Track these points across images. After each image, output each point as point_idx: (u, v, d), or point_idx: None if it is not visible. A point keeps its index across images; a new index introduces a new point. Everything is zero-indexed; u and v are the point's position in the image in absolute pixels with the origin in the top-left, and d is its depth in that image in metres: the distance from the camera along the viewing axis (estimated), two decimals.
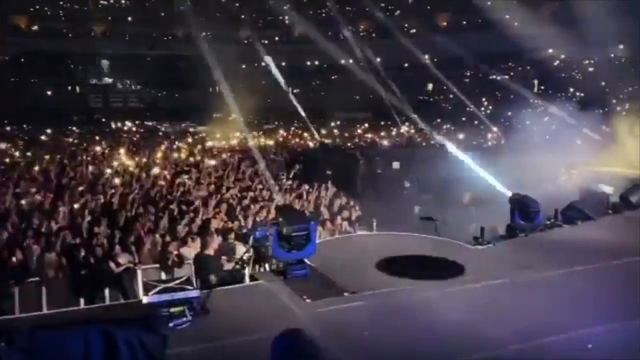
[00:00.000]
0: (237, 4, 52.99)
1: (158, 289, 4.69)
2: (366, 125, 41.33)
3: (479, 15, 42.57)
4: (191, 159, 20.58)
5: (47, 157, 19.62)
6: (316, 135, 33.81)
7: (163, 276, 7.97)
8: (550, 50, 44.71)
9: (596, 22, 31.88)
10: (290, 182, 15.66)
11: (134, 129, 40.88)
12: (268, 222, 7.45)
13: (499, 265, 6.28)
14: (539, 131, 21.15)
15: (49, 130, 32.80)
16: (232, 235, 8.97)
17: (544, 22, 37.33)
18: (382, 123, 41.45)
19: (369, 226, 11.38)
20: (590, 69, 43.57)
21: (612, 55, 42.15)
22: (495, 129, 32.55)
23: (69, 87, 51.71)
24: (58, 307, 6.19)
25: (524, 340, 4.29)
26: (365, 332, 4.48)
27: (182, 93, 52.04)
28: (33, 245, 8.37)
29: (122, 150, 22.00)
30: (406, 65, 47.47)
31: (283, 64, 54.09)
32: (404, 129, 38.13)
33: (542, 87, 44.17)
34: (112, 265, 8.02)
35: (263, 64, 53.97)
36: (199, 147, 25.67)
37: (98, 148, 24.20)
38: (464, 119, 39.07)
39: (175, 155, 21.89)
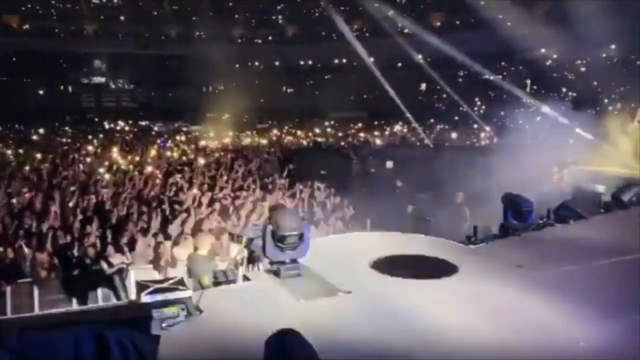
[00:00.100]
0: (230, 3, 52.91)
1: (151, 289, 4.66)
2: (360, 124, 41.38)
3: (472, 15, 42.74)
4: (184, 159, 20.53)
5: (38, 156, 19.50)
6: (310, 135, 33.86)
7: (156, 276, 7.96)
8: (543, 50, 44.93)
9: (588, 22, 32.08)
10: (283, 181, 15.66)
11: (127, 128, 40.75)
12: (261, 222, 7.43)
13: (492, 265, 6.28)
14: (532, 131, 21.26)
15: (41, 130, 32.64)
16: (226, 235, 8.96)
17: (536, 22, 37.51)
18: (376, 122, 41.54)
19: (363, 225, 11.41)
20: (583, 69, 43.79)
21: (604, 55, 42.38)
22: (488, 128, 32.70)
23: (62, 87, 51.49)
24: (50, 308, 6.15)
25: (516, 340, 4.30)
26: (359, 331, 4.48)
27: (175, 92, 51.94)
28: (25, 245, 8.32)
29: (114, 150, 21.93)
30: (400, 64, 47.56)
31: (277, 63, 54.12)
32: (397, 128, 38.22)
33: (535, 87, 44.37)
34: (104, 265, 7.99)
35: (256, 63, 54.01)
36: (192, 146, 25.61)
37: (90, 147, 24.11)
38: (457, 118, 39.23)
39: (168, 154, 21.82)
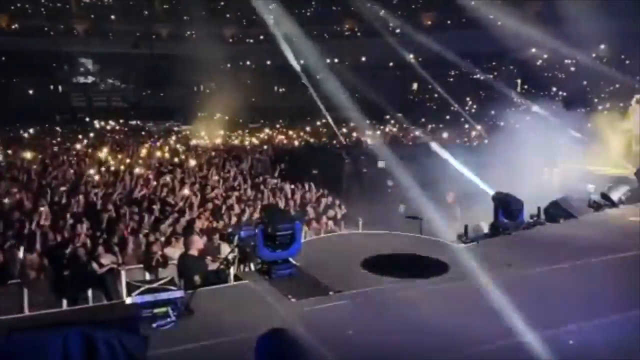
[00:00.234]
0: (222, 3, 52.76)
1: (141, 289, 4.65)
2: (352, 124, 41.35)
3: (463, 14, 42.90)
4: (175, 159, 20.44)
5: (28, 156, 19.34)
6: (302, 134, 33.85)
7: (147, 277, 7.93)
8: (534, 50, 45.15)
9: (578, 22, 32.29)
10: (275, 181, 15.63)
11: (117, 128, 40.48)
12: (253, 222, 7.42)
13: (483, 263, 6.31)
14: (522, 130, 21.33)
15: (30, 130, 32.36)
16: (217, 235, 8.94)
17: (527, 22, 37.67)
18: (368, 122, 41.52)
19: (355, 225, 11.42)
20: (573, 69, 44.05)
21: (594, 55, 42.65)
22: (479, 127, 32.82)
23: (51, 86, 51.04)
24: (40, 309, 6.11)
25: (507, 338, 4.33)
26: (350, 331, 4.49)
27: (166, 92, 51.62)
28: (14, 246, 8.24)
29: (105, 150, 21.79)
30: (391, 64, 47.60)
31: (268, 62, 54.03)
32: (389, 128, 38.27)
33: (526, 87, 44.58)
34: (95, 266, 7.94)
35: (248, 62, 53.90)
36: (184, 146, 25.49)
37: (81, 147, 23.94)
38: (448, 117, 39.32)
39: (159, 154, 21.71)
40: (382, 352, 4.20)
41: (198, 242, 7.49)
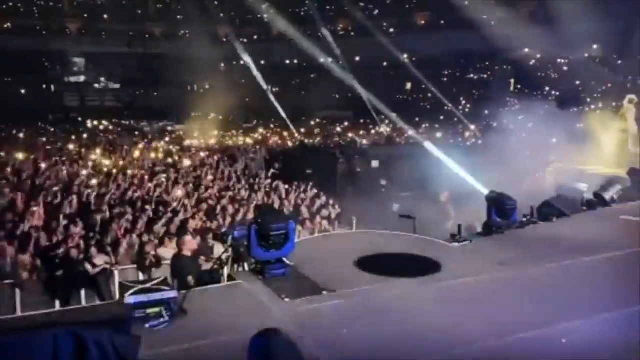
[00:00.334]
0: (216, 2, 52.66)
1: (134, 289, 4.64)
2: (346, 124, 41.39)
3: (456, 15, 43.02)
4: (169, 159, 20.38)
5: (20, 156, 19.23)
6: (296, 134, 33.81)
7: (140, 277, 7.91)
8: (527, 50, 45.35)
9: (571, 23, 32.47)
10: (269, 181, 15.62)
11: (110, 128, 40.28)
12: (247, 222, 7.41)
13: (476, 262, 6.34)
14: (516, 129, 21.42)
15: (23, 130, 32.16)
16: (211, 235, 8.93)
17: (520, 22, 37.86)
18: (362, 122, 41.58)
19: (349, 224, 11.43)
20: (565, 69, 44.29)
21: (587, 55, 42.90)
22: (473, 127, 32.92)
23: (44, 86, 50.76)
24: (32, 310, 6.07)
25: (500, 336, 4.34)
26: (344, 330, 4.49)
27: (159, 91, 51.48)
28: (6, 246, 8.20)
29: (98, 150, 21.70)
30: (385, 64, 47.68)
31: (262, 62, 53.95)
32: (383, 127, 38.31)
33: (519, 86, 44.77)
34: (88, 266, 7.92)
35: (242, 62, 53.80)
36: (177, 146, 25.42)
37: (73, 147, 23.82)
38: (442, 117, 39.42)
39: (153, 155, 21.65)
40: (376, 352, 4.21)
41: (191, 243, 7.49)
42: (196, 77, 48.41)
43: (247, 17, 54.01)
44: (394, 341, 4.33)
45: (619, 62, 38.02)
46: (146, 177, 15.45)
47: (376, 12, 44.19)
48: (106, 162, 18.89)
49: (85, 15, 51.77)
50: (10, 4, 48.16)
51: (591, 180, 10.80)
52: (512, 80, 45.74)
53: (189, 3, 48.18)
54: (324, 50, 42.51)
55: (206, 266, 7.51)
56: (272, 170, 17.84)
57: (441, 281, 5.67)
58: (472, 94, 45.24)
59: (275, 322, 3.13)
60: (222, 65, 49.67)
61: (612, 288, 5.20)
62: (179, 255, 7.26)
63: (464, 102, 44.21)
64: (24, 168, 16.54)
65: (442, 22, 49.49)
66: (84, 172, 15.86)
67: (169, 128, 39.28)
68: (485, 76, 43.26)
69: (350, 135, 34.73)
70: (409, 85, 51.17)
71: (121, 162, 18.99)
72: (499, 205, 7.63)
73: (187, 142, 28.22)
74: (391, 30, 43.02)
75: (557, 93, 39.65)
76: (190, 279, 6.66)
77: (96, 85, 54.18)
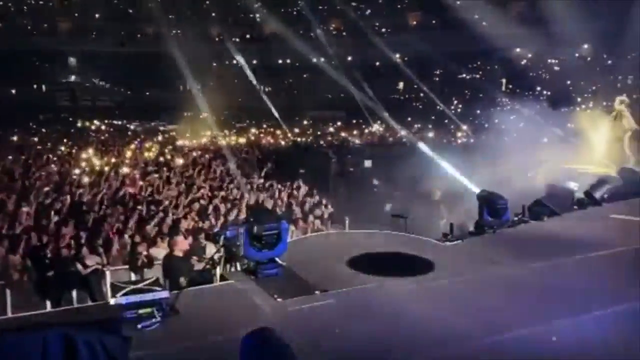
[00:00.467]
0: (207, 1, 52.51)
1: (126, 290, 4.62)
2: (338, 123, 41.42)
3: (448, 14, 43.13)
4: (161, 158, 20.32)
5: (11, 157, 19.11)
6: (288, 134, 33.80)
7: (132, 277, 7.87)
8: (518, 50, 45.54)
9: (562, 22, 32.65)
10: (262, 180, 15.61)
11: (102, 127, 40.09)
12: (239, 222, 7.40)
13: (468, 261, 6.37)
14: (507, 129, 21.54)
15: (14, 130, 31.92)
16: (203, 235, 8.90)
17: (511, 22, 38.01)
18: (354, 121, 41.63)
19: (341, 224, 11.44)
20: (557, 68, 44.50)
21: (577, 54, 43.14)
22: (464, 127, 33.04)
23: (35, 86, 50.39)
24: (23, 311, 6.04)
25: (491, 335, 4.36)
26: (336, 329, 4.49)
27: (151, 91, 51.22)
28: None
29: (90, 150, 21.59)
30: (377, 64, 47.71)
31: (254, 62, 53.83)
32: (375, 127, 38.37)
33: (510, 86, 44.95)
34: (79, 267, 7.87)
35: (234, 62, 53.67)
36: (170, 146, 25.34)
37: (65, 147, 23.69)
38: (433, 117, 39.54)
39: (145, 154, 21.57)
40: (368, 351, 4.21)
41: (183, 243, 7.46)
42: (188, 77, 48.22)
43: (239, 16, 53.88)
44: (386, 340, 4.34)
45: (609, 61, 38.27)
46: (138, 176, 15.39)
47: (368, 12, 44.21)
48: (98, 161, 18.81)
49: (76, 15, 51.40)
50: (0, 2, 47.74)
51: (582, 179, 10.88)
52: (504, 80, 45.91)
53: (181, 2, 48.00)
54: (316, 50, 42.52)
55: (198, 266, 7.49)
56: (264, 170, 17.82)
57: (433, 280, 5.69)
58: (463, 93, 45.38)
59: (268, 321, 3.13)
60: (215, 65, 49.52)
61: (602, 286, 5.24)
62: (171, 255, 7.24)
63: (455, 102, 44.35)
64: (14, 168, 16.43)
65: (434, 22, 49.62)
66: (76, 171, 15.78)
67: (161, 128, 39.16)
68: (477, 76, 43.39)
69: (342, 135, 34.78)
70: (401, 85, 51.27)
71: (113, 162, 18.91)
72: (490, 204, 7.67)
73: (179, 142, 28.14)
74: (383, 30, 43.02)
75: (548, 93, 39.89)
76: (182, 279, 6.64)
77: (88, 85, 53.83)
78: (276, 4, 50.64)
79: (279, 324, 4.40)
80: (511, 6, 43.09)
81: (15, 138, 29.53)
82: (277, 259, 5.84)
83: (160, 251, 8.12)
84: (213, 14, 52.56)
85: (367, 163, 18.93)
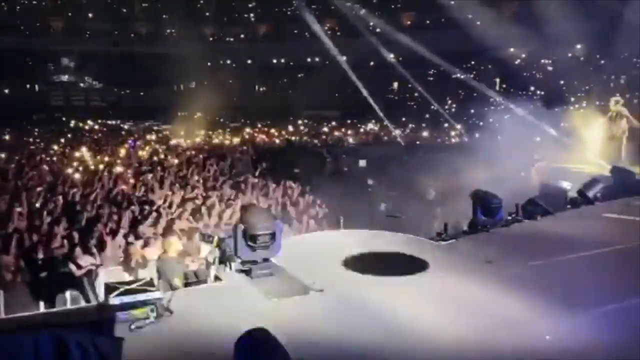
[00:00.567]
0: (201, 1, 52.41)
1: (120, 290, 4.60)
2: (333, 123, 41.45)
3: (442, 14, 43.26)
4: (155, 158, 20.26)
5: (3, 156, 19.00)
6: (283, 133, 33.79)
7: (126, 278, 7.84)
8: (512, 49, 45.68)
9: (555, 22, 32.80)
10: (256, 180, 15.58)
11: (96, 127, 39.94)
12: (233, 222, 7.38)
13: (462, 261, 6.38)
14: (501, 129, 21.61)
15: (7, 130, 31.76)
16: (197, 235, 8.87)
17: (505, 22, 38.14)
18: (349, 121, 41.67)
19: (336, 224, 11.43)
20: (550, 68, 44.69)
21: (571, 54, 43.33)
22: (459, 126, 33.14)
23: (28, 85, 50.14)
24: (16, 312, 5.99)
25: (485, 334, 4.37)
26: (331, 330, 4.49)
27: (145, 91, 51.12)
28: None
29: (83, 149, 21.51)
30: (372, 63, 47.75)
31: (249, 61, 53.80)
32: (370, 126, 38.42)
33: (504, 86, 45.08)
34: (72, 267, 7.83)
35: (228, 61, 53.59)
36: (164, 146, 25.28)
37: (58, 147, 23.59)
38: (428, 116, 39.62)
39: (139, 153, 21.50)
40: (363, 351, 4.21)
41: (177, 243, 7.44)
42: (182, 77, 48.13)
43: (233, 16, 53.80)
44: (381, 341, 4.34)
45: (602, 61, 38.45)
46: (132, 176, 15.33)
47: (362, 11, 44.22)
48: (91, 161, 18.73)
49: (70, 14, 51.17)
50: None
51: (575, 178, 10.93)
52: (498, 80, 46.05)
53: (175, 2, 47.89)
54: (311, 50, 42.51)
55: (192, 266, 7.47)
56: (259, 170, 17.79)
57: (428, 280, 5.70)
58: (458, 93, 45.50)
59: (262, 322, 3.12)
60: (209, 64, 49.45)
61: (595, 285, 5.26)
62: (165, 255, 7.21)
63: (449, 101, 44.44)
64: (7, 168, 16.33)
65: (428, 21, 49.72)
66: (69, 171, 15.71)
67: (155, 128, 39.03)
68: (471, 76, 43.50)
69: (337, 134, 34.81)
70: (395, 85, 51.35)
71: (107, 161, 18.84)
72: (484, 203, 7.69)
73: (173, 142, 28.07)
74: (377, 30, 43.02)
75: (542, 92, 40.04)
76: (176, 279, 6.62)
77: (81, 85, 53.63)
78: (271, 3, 50.65)
79: (274, 324, 4.39)
80: (505, 6, 43.24)
81: (8, 138, 29.41)
82: (271, 259, 5.83)
83: (153, 251, 8.08)
84: (207, 14, 52.46)
85: (362, 163, 18.92)
